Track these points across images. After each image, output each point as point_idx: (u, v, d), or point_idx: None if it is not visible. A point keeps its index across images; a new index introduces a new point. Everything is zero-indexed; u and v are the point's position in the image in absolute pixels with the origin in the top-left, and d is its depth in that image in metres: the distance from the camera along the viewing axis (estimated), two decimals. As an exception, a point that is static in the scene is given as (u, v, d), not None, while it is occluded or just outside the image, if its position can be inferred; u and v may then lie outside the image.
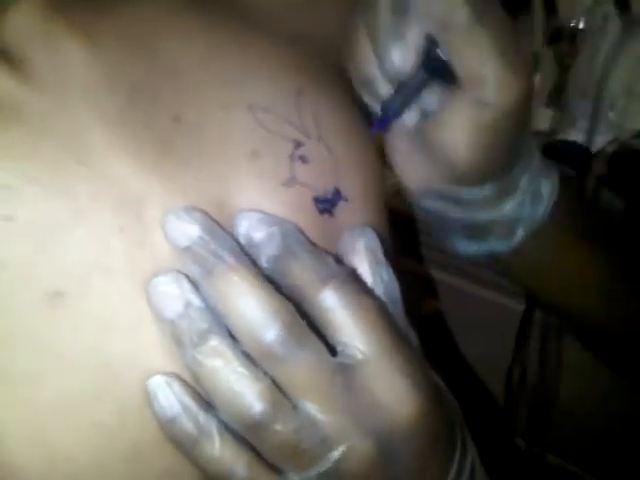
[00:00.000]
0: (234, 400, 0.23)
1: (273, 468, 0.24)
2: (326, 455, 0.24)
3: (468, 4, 0.27)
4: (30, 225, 0.23)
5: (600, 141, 0.68)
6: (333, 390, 0.24)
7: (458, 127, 0.29)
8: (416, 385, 0.25)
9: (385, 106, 0.30)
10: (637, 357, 0.41)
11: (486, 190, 0.33)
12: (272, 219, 0.26)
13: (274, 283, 0.25)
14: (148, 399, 0.24)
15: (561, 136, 0.69)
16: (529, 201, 0.34)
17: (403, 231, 0.38)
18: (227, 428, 0.24)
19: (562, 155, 0.65)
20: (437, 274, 0.71)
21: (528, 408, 0.74)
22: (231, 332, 0.24)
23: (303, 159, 0.28)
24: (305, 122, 0.29)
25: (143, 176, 0.25)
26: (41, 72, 0.25)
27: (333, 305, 0.24)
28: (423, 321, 0.31)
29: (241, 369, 0.23)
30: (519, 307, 0.68)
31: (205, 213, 0.25)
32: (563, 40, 0.68)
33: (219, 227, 0.25)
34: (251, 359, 0.24)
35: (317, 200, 0.28)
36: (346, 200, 0.29)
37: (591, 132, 0.67)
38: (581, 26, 0.66)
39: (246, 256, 0.25)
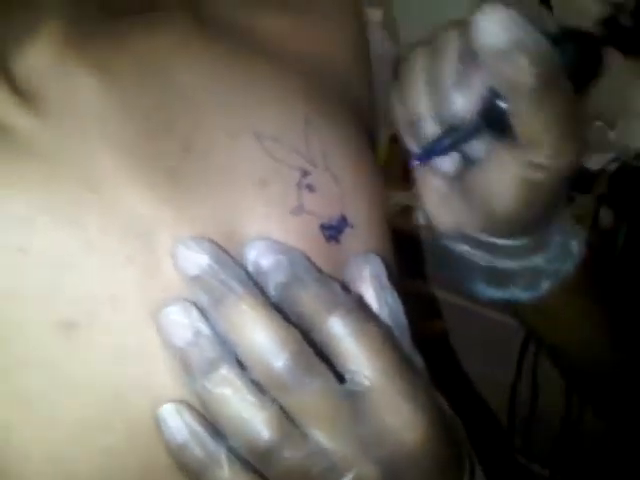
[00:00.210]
0: (243, 427, 0.24)
1: None
2: None
3: (537, 68, 0.27)
4: (43, 256, 0.24)
5: (600, 160, 0.68)
6: (341, 418, 0.24)
7: (504, 180, 0.30)
8: (422, 410, 0.25)
9: (433, 142, 0.31)
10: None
11: (519, 241, 0.33)
12: (280, 247, 0.26)
13: (282, 310, 0.25)
14: (158, 426, 0.24)
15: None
16: (559, 257, 0.35)
17: (407, 251, 0.39)
18: (236, 455, 0.24)
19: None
20: (439, 293, 0.72)
21: (530, 425, 0.74)
22: (240, 360, 0.24)
23: (310, 188, 0.29)
24: (312, 151, 0.29)
25: (153, 206, 0.26)
26: (55, 105, 0.25)
27: (340, 333, 0.24)
28: (428, 342, 0.31)
29: (250, 397, 0.24)
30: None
31: (214, 242, 0.26)
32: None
33: (228, 256, 0.25)
34: (260, 387, 0.24)
35: (323, 227, 0.29)
36: (352, 227, 0.30)
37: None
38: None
39: (255, 284, 0.25)
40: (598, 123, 0.66)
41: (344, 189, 0.30)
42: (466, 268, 0.36)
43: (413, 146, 0.33)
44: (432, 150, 0.31)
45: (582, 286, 0.36)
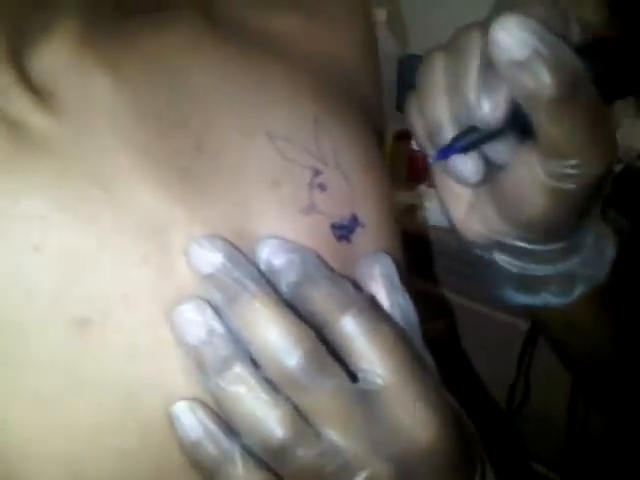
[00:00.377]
0: (257, 426, 0.24)
1: None
2: None
3: (556, 77, 0.26)
4: (57, 254, 0.24)
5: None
6: (354, 416, 0.24)
7: (533, 187, 0.29)
8: (434, 409, 0.25)
9: (452, 139, 0.29)
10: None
11: (552, 246, 0.32)
12: (292, 246, 0.26)
13: (294, 309, 0.25)
14: (171, 424, 0.24)
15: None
16: (592, 262, 0.34)
17: (414, 251, 0.38)
18: (250, 453, 0.24)
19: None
20: (446, 293, 0.72)
21: (530, 424, 0.74)
22: (253, 358, 0.24)
23: (321, 187, 0.29)
24: (323, 150, 0.29)
25: (167, 205, 0.26)
26: (69, 104, 0.25)
27: (352, 332, 0.25)
28: (435, 342, 0.31)
29: (263, 395, 0.24)
30: (524, 326, 0.69)
31: (227, 241, 0.26)
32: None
33: (241, 254, 0.26)
34: (273, 385, 0.24)
35: (334, 227, 0.29)
36: (363, 226, 0.30)
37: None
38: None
39: (267, 283, 0.25)
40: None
41: (354, 188, 0.30)
42: (494, 274, 0.35)
43: (429, 149, 0.32)
44: (451, 148, 0.29)
45: (608, 294, 0.35)
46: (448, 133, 0.30)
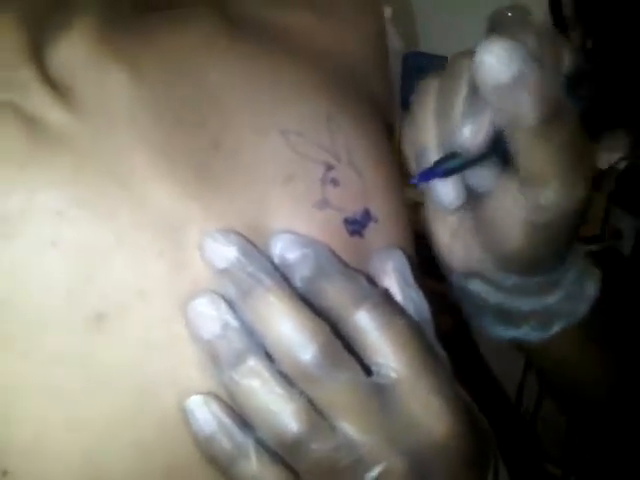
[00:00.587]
0: (271, 419, 0.24)
1: None
2: (362, 475, 0.24)
3: (539, 104, 0.26)
4: (74, 249, 0.24)
5: (609, 159, 0.69)
6: (369, 410, 0.24)
7: (511, 218, 0.29)
8: (449, 404, 0.25)
9: (435, 163, 0.29)
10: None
11: (532, 281, 0.32)
12: (305, 240, 0.26)
13: (308, 303, 0.25)
14: (186, 418, 0.24)
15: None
16: (572, 297, 0.34)
17: (421, 247, 0.38)
18: (264, 447, 0.24)
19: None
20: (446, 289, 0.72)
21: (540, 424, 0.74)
22: (268, 352, 0.24)
23: (334, 182, 0.29)
24: (336, 146, 0.29)
25: (183, 202, 0.26)
26: (87, 101, 0.25)
27: (367, 326, 0.25)
28: (446, 336, 0.31)
29: (278, 389, 0.24)
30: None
31: (241, 235, 0.26)
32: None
33: (255, 249, 0.26)
34: (288, 379, 0.24)
35: (347, 222, 0.29)
36: (375, 221, 0.30)
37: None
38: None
39: (282, 277, 0.25)
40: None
41: (367, 183, 0.30)
42: (480, 308, 0.35)
43: (415, 169, 0.32)
44: (432, 172, 0.29)
45: (593, 329, 0.35)
46: (432, 157, 0.30)
